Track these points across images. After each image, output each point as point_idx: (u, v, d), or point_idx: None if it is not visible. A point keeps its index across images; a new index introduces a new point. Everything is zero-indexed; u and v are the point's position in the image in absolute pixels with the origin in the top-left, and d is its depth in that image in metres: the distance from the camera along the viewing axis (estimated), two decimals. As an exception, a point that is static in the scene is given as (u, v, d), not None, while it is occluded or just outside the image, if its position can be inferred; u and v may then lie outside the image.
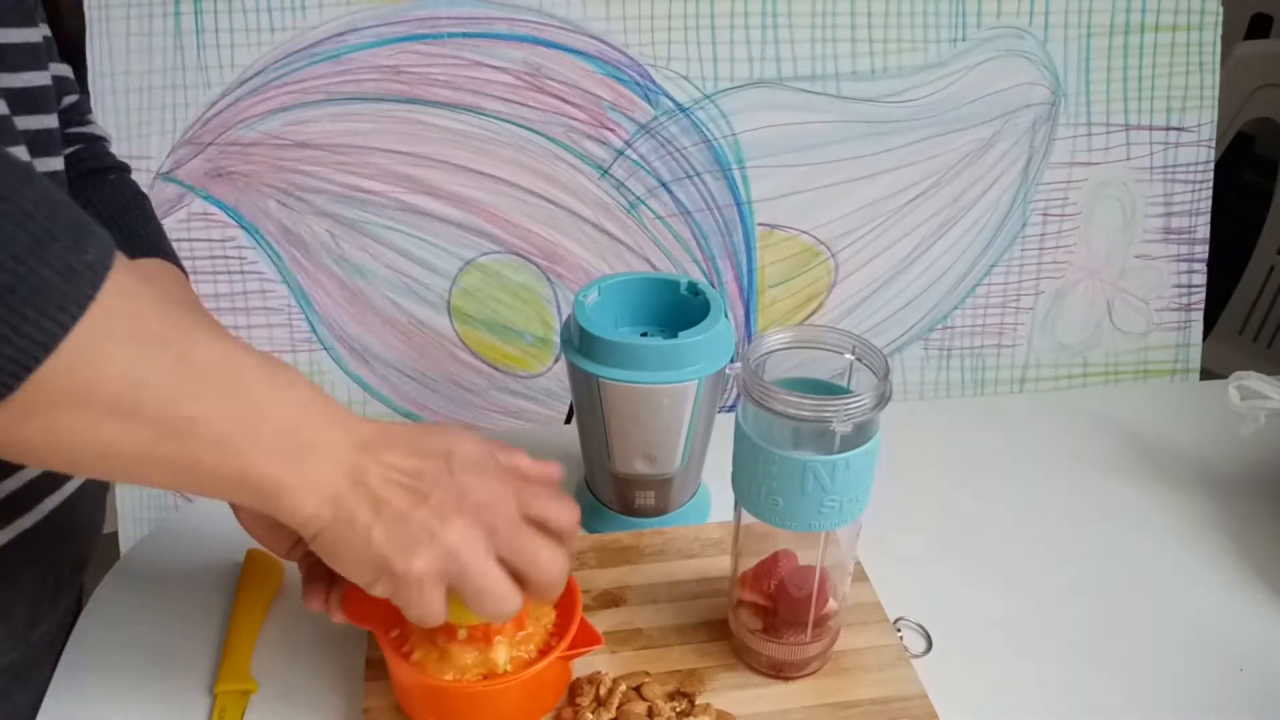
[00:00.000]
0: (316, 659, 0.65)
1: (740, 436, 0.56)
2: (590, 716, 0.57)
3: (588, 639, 0.57)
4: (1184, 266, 1.01)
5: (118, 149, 0.89)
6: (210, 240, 0.92)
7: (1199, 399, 0.93)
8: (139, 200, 0.64)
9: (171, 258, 0.62)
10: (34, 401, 0.39)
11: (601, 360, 0.67)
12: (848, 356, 0.56)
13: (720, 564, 0.69)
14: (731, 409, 0.74)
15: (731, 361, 0.67)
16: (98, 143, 0.66)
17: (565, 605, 0.60)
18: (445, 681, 0.57)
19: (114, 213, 0.61)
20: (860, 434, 0.54)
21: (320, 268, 0.93)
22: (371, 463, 0.47)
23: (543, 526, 0.51)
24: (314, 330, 0.94)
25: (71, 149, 0.63)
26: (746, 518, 0.58)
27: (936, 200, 0.97)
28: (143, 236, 0.61)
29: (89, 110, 0.67)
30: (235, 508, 0.57)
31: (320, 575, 0.59)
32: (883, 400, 0.53)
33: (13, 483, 0.55)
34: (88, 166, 0.63)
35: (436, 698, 0.57)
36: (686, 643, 0.63)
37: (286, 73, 0.90)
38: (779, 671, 0.61)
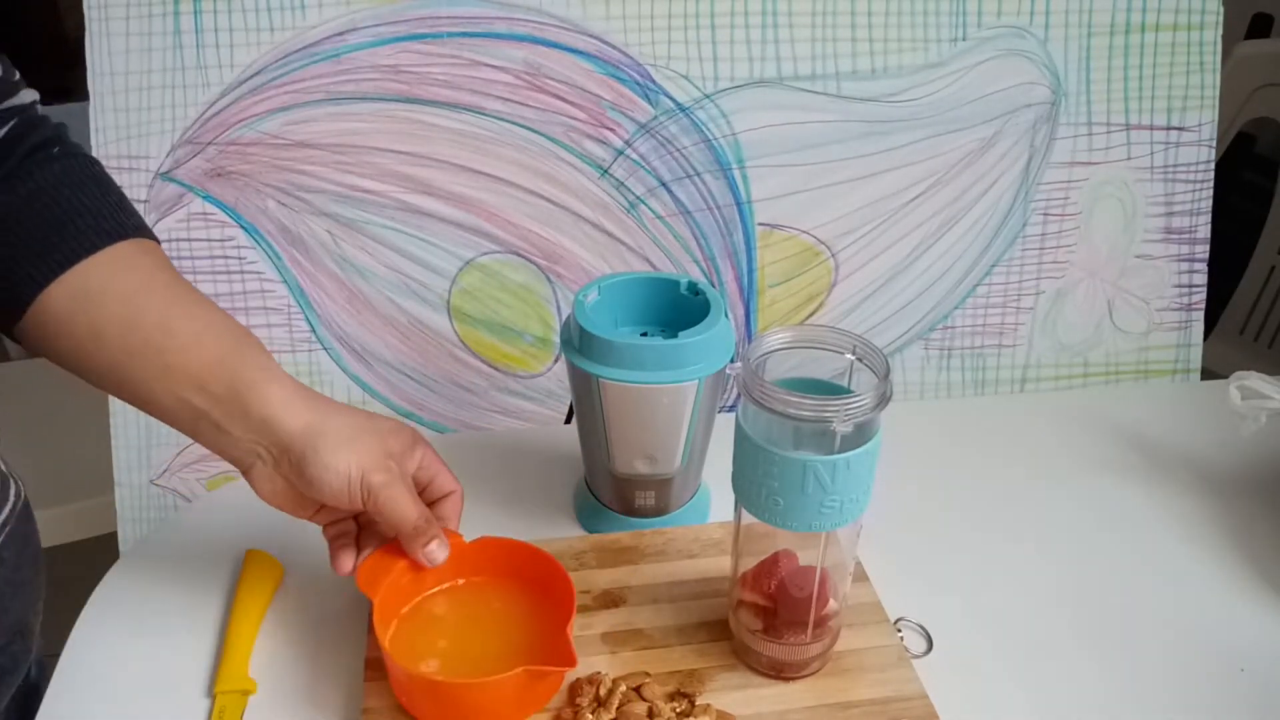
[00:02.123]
0: (316, 659, 0.65)
1: (740, 437, 0.56)
2: (590, 717, 0.57)
3: (562, 659, 0.57)
4: (1185, 266, 1.01)
5: (117, 149, 0.90)
6: (210, 240, 0.92)
7: (1200, 399, 0.93)
8: (92, 169, 0.59)
9: (141, 230, 0.59)
10: None
11: (601, 360, 0.66)
12: (848, 356, 0.56)
13: (720, 564, 0.69)
14: (731, 409, 0.73)
15: (731, 361, 0.67)
16: (31, 111, 0.58)
17: (561, 614, 0.61)
18: (425, 674, 0.59)
19: (69, 193, 0.56)
20: (861, 434, 0.54)
21: (320, 268, 0.93)
22: None
23: None
24: (313, 330, 0.94)
25: (6, 128, 0.56)
26: (747, 518, 0.58)
27: (936, 200, 0.97)
28: (106, 215, 0.57)
29: (14, 75, 0.58)
30: (253, 473, 0.58)
31: (346, 543, 0.62)
32: (883, 400, 0.53)
33: None
34: (30, 144, 0.57)
35: (420, 688, 0.58)
36: (687, 643, 0.63)
37: (286, 72, 0.90)
38: (779, 672, 0.61)
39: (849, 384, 0.57)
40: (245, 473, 0.59)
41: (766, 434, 0.55)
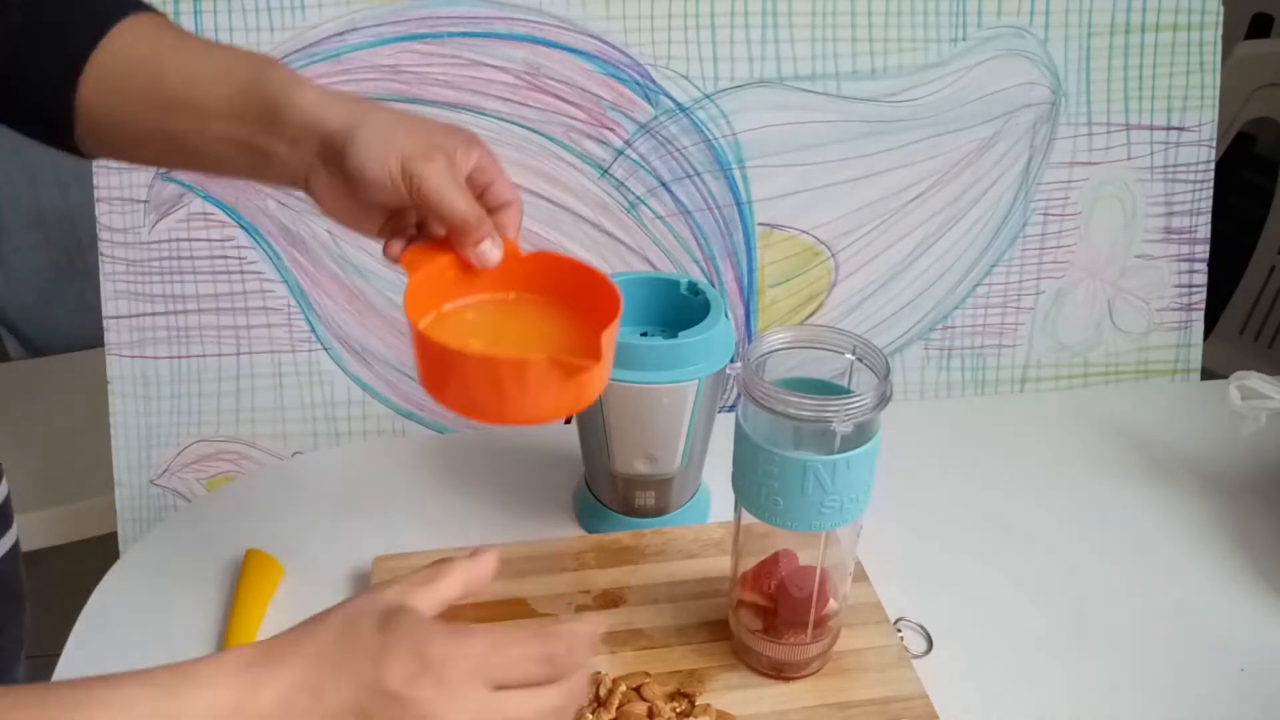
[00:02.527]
0: (316, 659, 0.65)
1: (740, 436, 0.56)
2: (590, 717, 0.57)
3: (590, 355, 0.51)
4: (1185, 266, 1.01)
5: (117, 149, 0.90)
6: (210, 240, 0.92)
7: (1200, 399, 0.93)
8: None
9: (139, 6, 0.58)
10: None
11: (601, 360, 0.66)
12: (848, 356, 0.56)
13: (720, 564, 0.69)
14: (731, 409, 0.73)
15: (732, 361, 0.67)
16: None
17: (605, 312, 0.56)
18: (447, 343, 0.52)
19: (54, 1, 0.56)
20: (861, 434, 0.54)
21: (320, 268, 0.93)
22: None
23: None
24: (314, 330, 0.94)
25: None
26: (747, 518, 0.58)
27: (936, 200, 0.97)
28: (96, 5, 0.57)
29: None
30: (312, 187, 0.56)
31: (399, 232, 0.59)
32: (883, 400, 0.53)
33: None
34: None
35: (444, 362, 0.53)
36: (687, 643, 0.63)
37: (286, 72, 0.90)
38: (779, 672, 0.61)
39: (849, 384, 0.57)
40: (307, 191, 0.57)
41: (767, 434, 0.55)
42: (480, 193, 0.58)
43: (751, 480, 0.56)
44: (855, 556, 0.62)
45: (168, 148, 0.57)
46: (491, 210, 0.58)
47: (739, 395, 0.56)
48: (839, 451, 0.53)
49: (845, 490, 0.54)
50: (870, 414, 0.53)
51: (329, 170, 0.55)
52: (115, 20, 0.56)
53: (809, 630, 0.60)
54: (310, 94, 0.55)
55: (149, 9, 0.59)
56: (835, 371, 0.57)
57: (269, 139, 0.55)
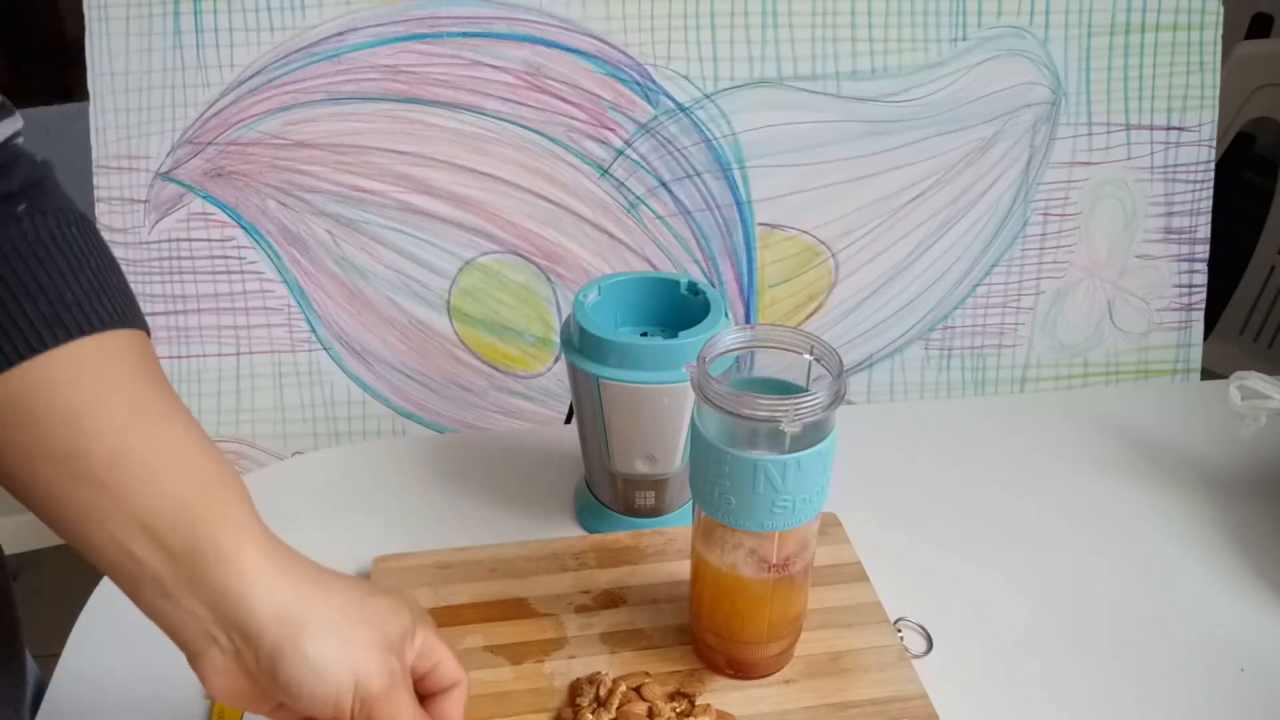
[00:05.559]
0: (316, 659, 0.65)
1: (695, 435, 0.56)
2: (590, 717, 0.57)
3: None
4: (1185, 266, 1.01)
5: (117, 149, 0.90)
6: (210, 240, 0.92)
7: (1200, 399, 0.93)
8: (66, 233, 0.44)
9: (121, 318, 0.44)
10: None
11: (601, 360, 0.66)
12: (806, 357, 0.56)
13: (720, 564, 0.69)
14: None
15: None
16: (6, 150, 0.45)
17: None
18: None
19: (26, 267, 0.42)
20: (814, 434, 0.53)
21: (320, 268, 0.93)
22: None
23: None
24: (313, 330, 0.94)
25: None
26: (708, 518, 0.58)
27: (936, 200, 0.97)
28: (68, 303, 0.42)
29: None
30: (204, 671, 0.45)
31: None
32: (835, 400, 0.53)
33: None
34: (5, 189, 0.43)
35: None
36: (686, 643, 0.63)
37: (286, 72, 0.90)
38: (738, 671, 0.61)
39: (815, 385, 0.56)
40: (193, 660, 0.45)
41: (720, 433, 0.54)
42: (421, 677, 0.49)
43: (705, 478, 0.55)
44: (813, 555, 0.62)
45: (49, 516, 0.44)
46: (434, 695, 0.50)
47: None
48: (790, 451, 0.53)
49: (797, 490, 0.54)
50: (821, 414, 0.52)
51: (240, 658, 0.44)
52: (71, 336, 0.42)
53: (766, 630, 0.59)
54: (253, 556, 0.44)
55: (132, 323, 0.45)
56: (818, 373, 0.57)
57: (176, 582, 0.44)
